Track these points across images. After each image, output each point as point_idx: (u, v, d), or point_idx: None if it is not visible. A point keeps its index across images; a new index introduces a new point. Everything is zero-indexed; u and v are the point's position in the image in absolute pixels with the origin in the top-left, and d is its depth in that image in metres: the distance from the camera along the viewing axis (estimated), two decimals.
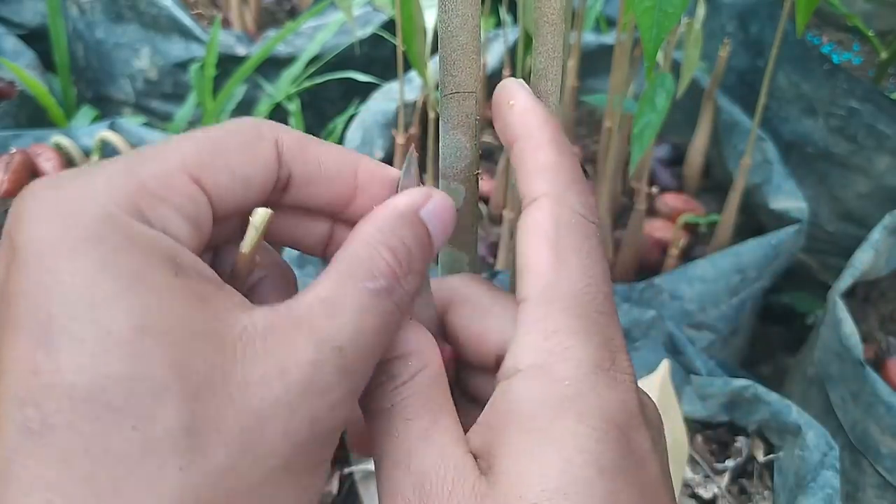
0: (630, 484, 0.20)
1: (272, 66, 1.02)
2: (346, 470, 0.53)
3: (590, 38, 0.93)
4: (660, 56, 0.68)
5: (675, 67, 0.78)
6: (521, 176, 0.23)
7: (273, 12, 1.18)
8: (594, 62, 0.92)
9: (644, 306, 0.67)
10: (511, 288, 0.30)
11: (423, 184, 0.24)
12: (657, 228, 0.79)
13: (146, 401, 0.16)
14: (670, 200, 0.83)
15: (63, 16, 1.06)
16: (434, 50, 0.50)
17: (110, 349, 0.16)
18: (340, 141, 0.93)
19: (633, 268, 0.76)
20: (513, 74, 0.79)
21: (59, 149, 0.74)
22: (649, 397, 0.23)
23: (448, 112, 0.25)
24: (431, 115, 0.76)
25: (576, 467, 0.19)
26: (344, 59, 1.03)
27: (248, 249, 0.21)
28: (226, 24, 1.11)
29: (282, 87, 1.01)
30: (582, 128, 0.94)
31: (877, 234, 0.70)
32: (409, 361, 0.22)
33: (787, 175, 0.79)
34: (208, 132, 0.21)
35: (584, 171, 0.88)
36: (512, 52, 0.89)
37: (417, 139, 0.83)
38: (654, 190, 0.78)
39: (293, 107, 1.00)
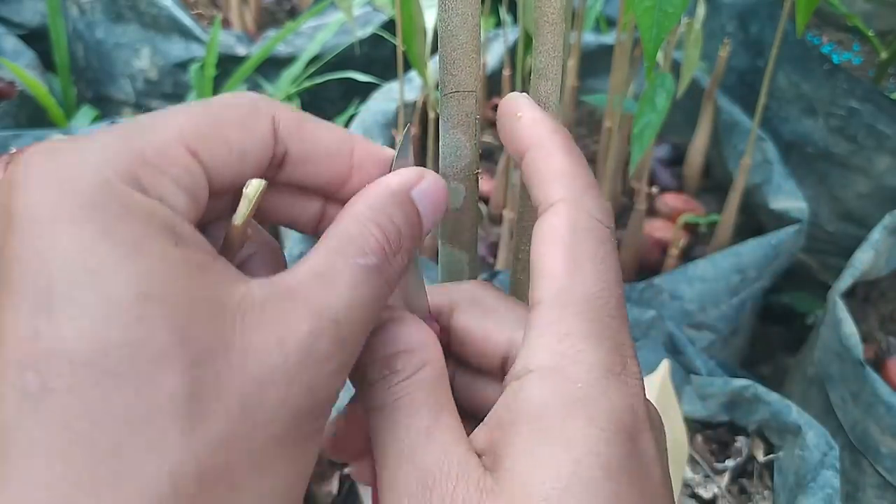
0: (633, 486, 0.20)
1: (272, 66, 1.02)
2: (346, 470, 0.53)
3: (590, 38, 0.93)
4: (660, 56, 0.68)
5: (675, 67, 0.78)
6: (536, 183, 0.23)
7: (273, 12, 1.18)
8: (594, 62, 0.92)
9: (644, 306, 0.67)
10: (511, 288, 0.30)
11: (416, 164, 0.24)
12: (657, 228, 0.79)
13: (148, 366, 0.16)
14: (670, 200, 0.83)
15: (63, 16, 1.06)
16: (434, 50, 0.50)
17: (112, 315, 0.16)
18: None
19: (633, 268, 0.76)
20: (513, 74, 0.79)
21: None
22: (649, 400, 0.23)
23: (448, 111, 0.25)
24: (431, 114, 0.76)
25: (584, 467, 0.19)
26: (344, 59, 1.03)
27: (241, 221, 0.21)
28: (226, 24, 1.11)
29: (282, 87, 1.01)
30: (582, 128, 0.94)
31: (877, 234, 0.70)
32: (412, 357, 0.22)
33: (787, 175, 0.79)
34: (206, 105, 0.21)
35: None
36: (512, 51, 0.89)
37: (417, 139, 0.83)
38: (654, 190, 0.78)
39: (293, 107, 1.00)
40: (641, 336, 0.65)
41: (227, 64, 0.98)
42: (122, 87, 1.08)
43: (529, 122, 0.24)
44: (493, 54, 0.90)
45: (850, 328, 0.64)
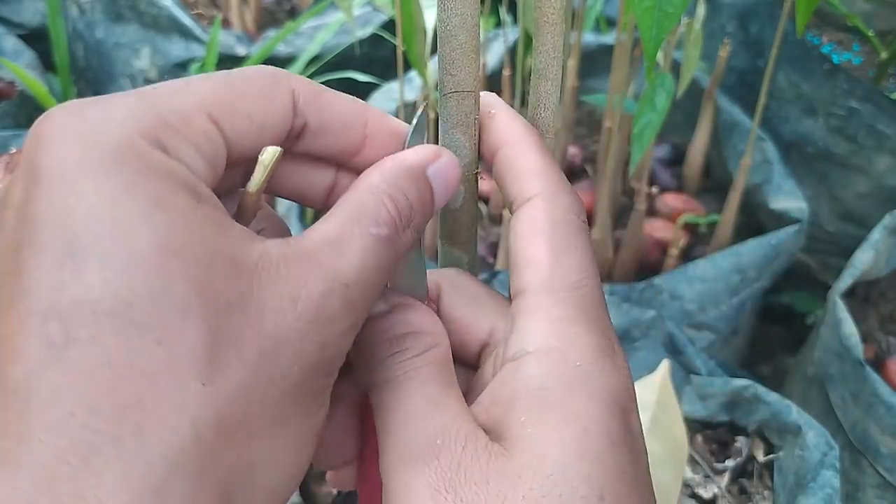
0: (629, 457, 0.21)
1: (272, 65, 1.02)
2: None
3: (590, 38, 0.93)
4: (660, 56, 0.68)
5: (675, 67, 0.78)
6: (510, 179, 0.24)
7: (273, 12, 1.18)
8: (594, 62, 0.92)
9: (644, 306, 0.67)
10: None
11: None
12: (657, 228, 0.79)
13: (170, 318, 0.17)
14: (670, 200, 0.83)
15: (63, 16, 1.06)
16: (434, 50, 0.50)
17: (135, 267, 0.17)
18: None
19: (633, 268, 0.76)
20: (513, 74, 0.79)
21: None
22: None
23: (447, 111, 0.25)
24: (431, 115, 0.76)
25: (592, 436, 0.20)
26: (344, 59, 1.03)
27: (256, 188, 0.21)
28: (226, 24, 1.11)
29: None
30: (582, 128, 0.94)
31: (877, 234, 0.70)
32: (423, 338, 0.23)
33: (787, 175, 0.79)
34: (228, 76, 0.21)
35: (585, 171, 0.88)
36: (512, 52, 0.89)
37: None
38: (654, 190, 0.78)
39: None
40: (641, 336, 0.65)
41: (228, 64, 0.98)
42: (122, 87, 1.08)
43: (504, 119, 0.25)
44: (493, 54, 0.90)
45: (850, 328, 0.64)
